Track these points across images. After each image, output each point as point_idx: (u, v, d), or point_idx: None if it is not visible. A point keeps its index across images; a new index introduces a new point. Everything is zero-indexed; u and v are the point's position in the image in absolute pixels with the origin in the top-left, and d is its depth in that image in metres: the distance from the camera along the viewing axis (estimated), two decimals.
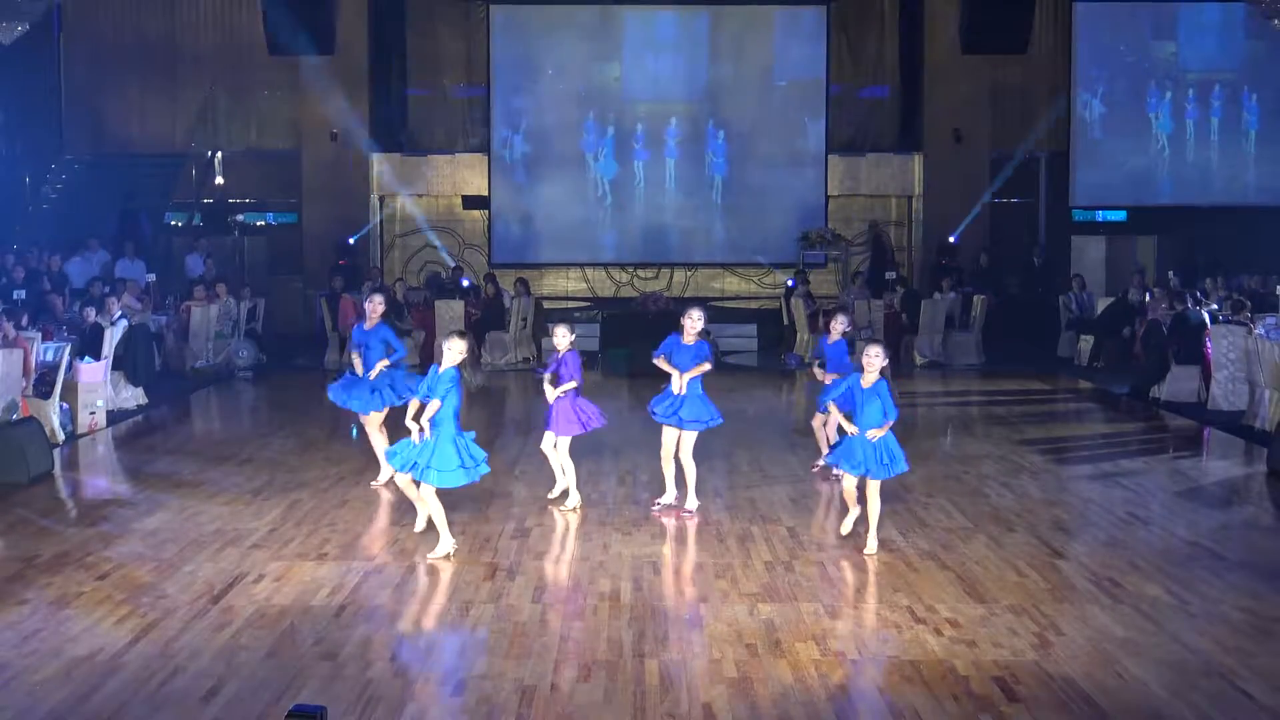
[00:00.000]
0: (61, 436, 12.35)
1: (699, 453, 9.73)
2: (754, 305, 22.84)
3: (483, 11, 22.78)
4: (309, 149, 22.29)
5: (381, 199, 22.96)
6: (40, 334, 13.12)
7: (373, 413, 10.41)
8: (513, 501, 9.93)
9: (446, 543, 8.39)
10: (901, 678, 6.10)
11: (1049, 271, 22.09)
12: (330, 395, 10.48)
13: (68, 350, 12.79)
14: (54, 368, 12.53)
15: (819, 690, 5.95)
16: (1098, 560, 8.24)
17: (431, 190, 23.13)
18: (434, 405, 8.12)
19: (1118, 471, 11.25)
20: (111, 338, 13.87)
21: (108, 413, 13.50)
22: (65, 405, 12.70)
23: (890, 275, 20.92)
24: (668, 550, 8.53)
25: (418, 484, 8.34)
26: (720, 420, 9.58)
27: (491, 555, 8.35)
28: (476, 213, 23.17)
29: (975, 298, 19.68)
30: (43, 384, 12.44)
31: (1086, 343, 18.92)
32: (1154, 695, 5.93)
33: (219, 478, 10.81)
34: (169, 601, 7.31)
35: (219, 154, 23.29)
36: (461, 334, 8.39)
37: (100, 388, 13.44)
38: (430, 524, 8.57)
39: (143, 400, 14.78)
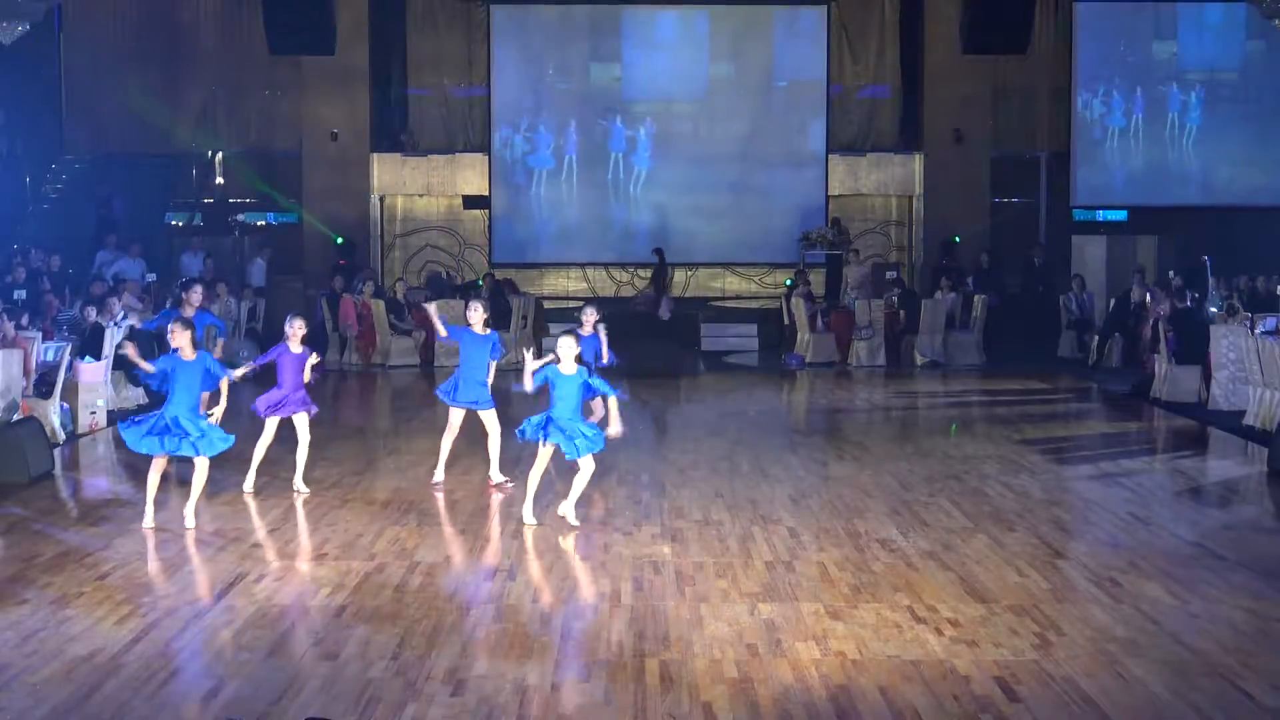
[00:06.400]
0: (62, 436, 12.34)
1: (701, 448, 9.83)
2: (754, 305, 22.84)
3: (483, 11, 22.78)
4: (309, 149, 22.29)
5: (382, 199, 22.97)
6: (40, 334, 13.13)
7: None
8: (513, 501, 9.93)
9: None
10: (901, 678, 6.10)
11: (1049, 271, 22.09)
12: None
13: (68, 350, 12.79)
14: (54, 368, 12.53)
15: (819, 690, 5.95)
16: (1098, 560, 8.23)
17: (432, 190, 23.14)
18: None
19: (1118, 471, 11.24)
20: (112, 338, 13.87)
21: (108, 412, 13.50)
22: (65, 405, 12.70)
23: (890, 275, 20.90)
24: (668, 550, 8.53)
25: None
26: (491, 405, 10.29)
27: (491, 555, 8.35)
28: (476, 213, 23.17)
29: (975, 298, 19.67)
30: (43, 384, 12.44)
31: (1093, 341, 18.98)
32: (1154, 695, 5.92)
33: (219, 478, 10.78)
34: (169, 601, 7.31)
35: (219, 154, 23.29)
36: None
37: (101, 387, 13.44)
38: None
39: (143, 400, 14.76)
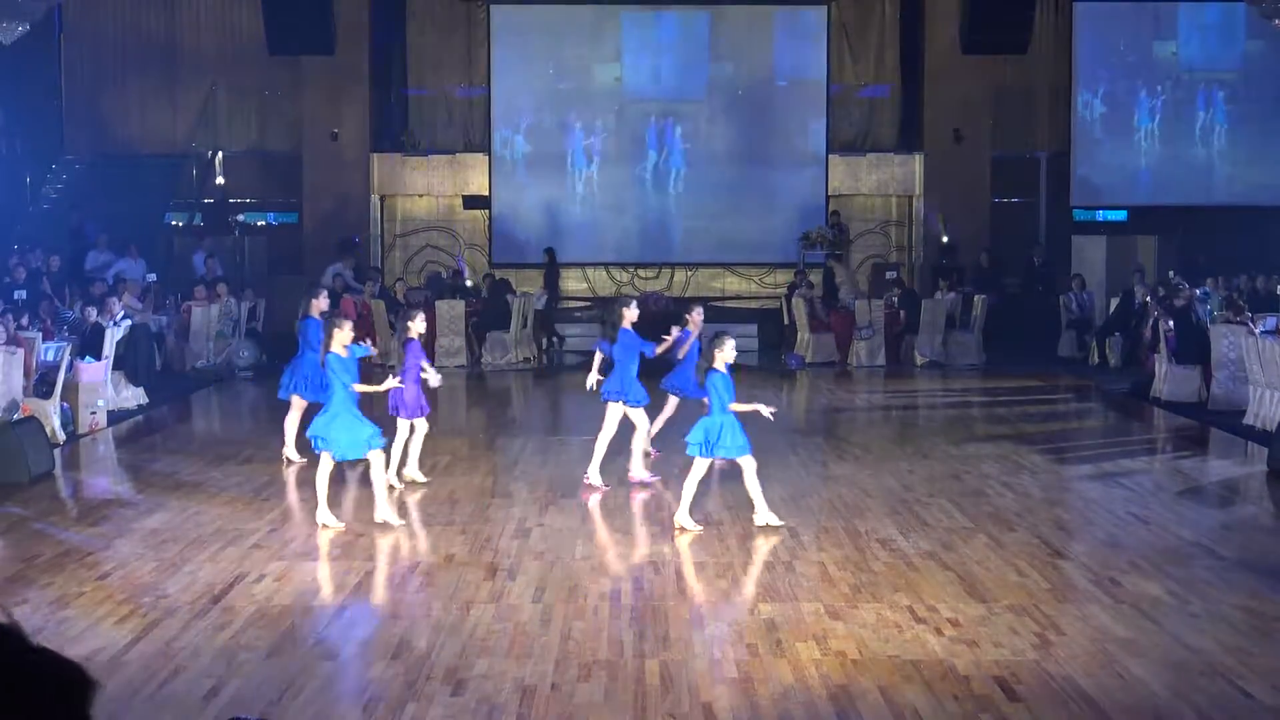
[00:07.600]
0: (62, 436, 12.34)
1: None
2: (754, 305, 22.84)
3: (483, 11, 22.77)
4: (309, 149, 22.29)
5: (382, 199, 22.97)
6: (40, 334, 13.13)
7: None
8: (513, 501, 9.93)
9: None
10: (901, 678, 6.09)
11: (1049, 271, 22.07)
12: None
13: (68, 350, 12.79)
14: (54, 368, 12.53)
15: (819, 690, 5.95)
16: (1098, 560, 8.23)
17: (432, 190, 23.14)
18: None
19: (1118, 471, 11.24)
20: (112, 338, 13.88)
21: (108, 412, 13.50)
22: (66, 405, 12.70)
23: (890, 275, 20.90)
24: (668, 550, 8.53)
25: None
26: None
27: (491, 555, 8.35)
28: (477, 213, 23.17)
29: (975, 298, 19.67)
30: (43, 384, 12.44)
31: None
32: (1154, 695, 5.92)
33: (219, 478, 10.81)
34: (169, 601, 7.31)
35: (219, 154, 23.30)
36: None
37: (101, 388, 13.44)
38: None
39: (143, 400, 14.77)
